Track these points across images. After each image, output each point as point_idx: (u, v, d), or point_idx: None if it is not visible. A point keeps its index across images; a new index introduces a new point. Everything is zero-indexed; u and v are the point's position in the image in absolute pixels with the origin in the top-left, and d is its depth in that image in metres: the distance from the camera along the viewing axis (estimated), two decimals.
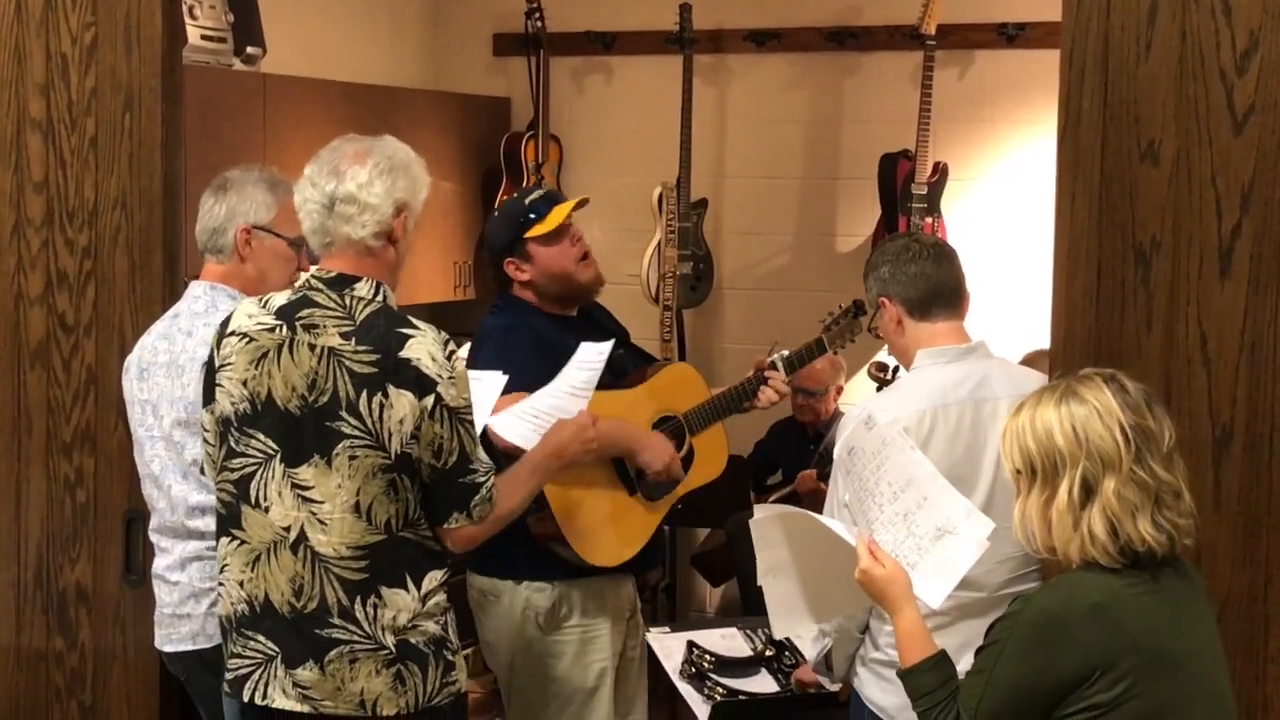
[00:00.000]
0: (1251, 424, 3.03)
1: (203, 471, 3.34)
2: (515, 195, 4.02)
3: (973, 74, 6.14)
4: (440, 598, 3.11)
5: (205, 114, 4.96)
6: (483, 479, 3.09)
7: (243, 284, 3.50)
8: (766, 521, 2.92)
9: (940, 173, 5.94)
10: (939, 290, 3.32)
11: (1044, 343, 3.36)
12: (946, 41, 5.91)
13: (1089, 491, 2.50)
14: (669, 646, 4.11)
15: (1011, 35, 5.95)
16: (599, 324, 4.04)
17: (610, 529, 3.81)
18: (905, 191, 5.89)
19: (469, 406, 3.07)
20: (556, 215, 3.88)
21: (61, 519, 3.95)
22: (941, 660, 2.62)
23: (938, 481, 2.79)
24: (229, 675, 3.15)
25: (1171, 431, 2.57)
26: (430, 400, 2.99)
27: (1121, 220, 3.09)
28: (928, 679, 2.61)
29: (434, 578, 3.10)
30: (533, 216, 3.88)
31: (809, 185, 6.45)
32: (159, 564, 3.52)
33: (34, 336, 3.95)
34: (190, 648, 3.46)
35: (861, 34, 6.24)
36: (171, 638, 3.50)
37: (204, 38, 5.10)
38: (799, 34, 6.35)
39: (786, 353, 4.10)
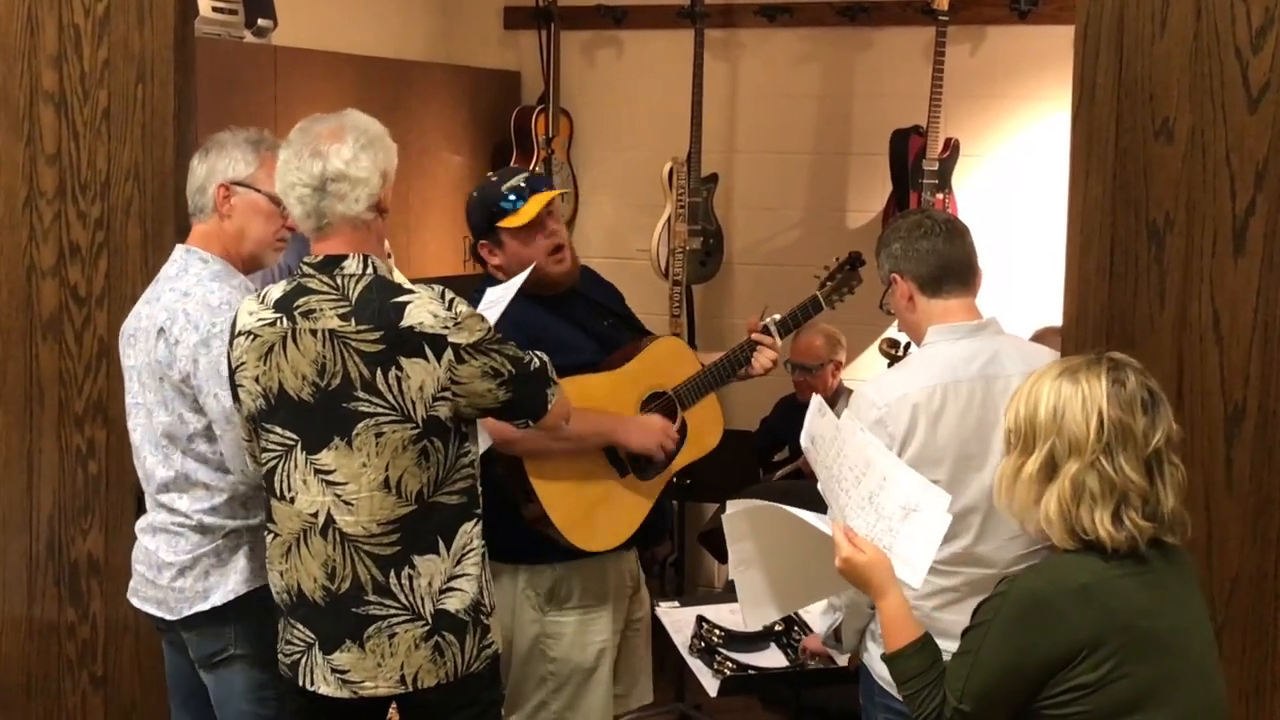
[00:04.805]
0: (1264, 402, 3.03)
1: (187, 441, 3.36)
2: (496, 178, 3.84)
3: (985, 50, 6.13)
4: (475, 554, 3.13)
5: (216, 86, 4.95)
6: (537, 359, 3.19)
7: (223, 242, 3.44)
8: (736, 516, 2.94)
9: (952, 149, 5.93)
10: (951, 267, 3.31)
11: (1055, 320, 3.36)
12: (959, 17, 5.89)
13: (1053, 471, 2.53)
14: (678, 621, 4.12)
15: (1024, 11, 5.93)
16: (583, 298, 3.90)
17: (602, 513, 3.75)
18: (916, 167, 5.89)
19: (488, 332, 3.09)
20: (531, 208, 3.73)
21: (73, 490, 3.97)
22: (927, 643, 2.63)
23: (890, 459, 2.79)
24: (284, 660, 3.19)
25: (1165, 435, 2.54)
26: (449, 354, 3.01)
27: (1135, 197, 3.09)
28: (914, 663, 2.61)
29: (465, 531, 3.12)
30: (506, 206, 3.74)
31: (820, 161, 6.45)
32: (140, 523, 3.52)
33: (46, 308, 3.96)
34: (154, 612, 3.47)
35: (873, 9, 6.23)
36: (138, 593, 3.51)
37: (215, 10, 5.10)
38: (810, 9, 6.33)
39: (778, 316, 3.97)
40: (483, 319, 3.11)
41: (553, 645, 3.81)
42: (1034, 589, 2.51)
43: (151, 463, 3.42)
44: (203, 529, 3.37)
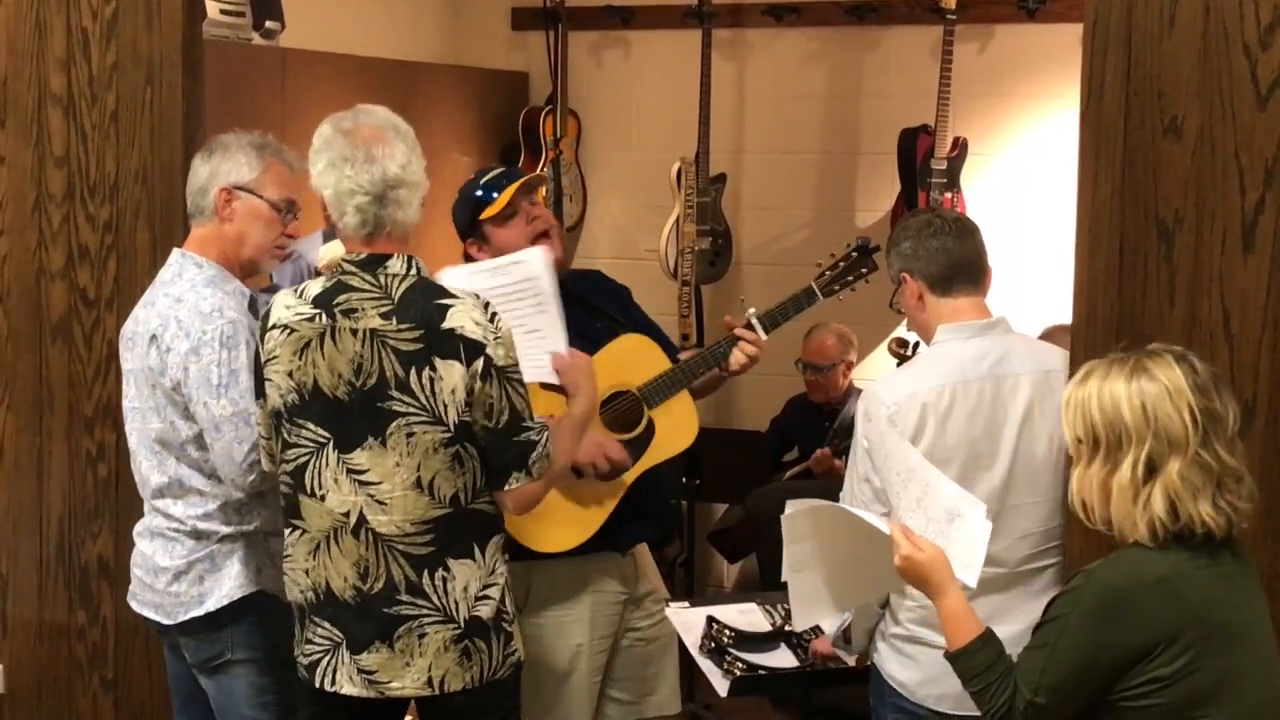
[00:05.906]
0: (1274, 400, 3.03)
1: (177, 445, 3.35)
2: (474, 176, 3.85)
3: (993, 48, 6.12)
4: (503, 565, 3.14)
5: (224, 89, 4.95)
6: (537, 436, 3.08)
7: (222, 247, 3.42)
8: (798, 516, 2.93)
9: (960, 148, 5.92)
10: (960, 266, 3.31)
11: (1065, 318, 3.35)
12: (966, 16, 5.88)
13: (1152, 470, 2.51)
14: (688, 621, 4.11)
15: (1032, 9, 5.92)
16: (577, 301, 3.80)
17: (560, 514, 3.70)
18: (925, 166, 5.88)
19: (517, 365, 3.07)
20: (506, 194, 3.72)
21: (83, 493, 3.97)
22: (990, 639, 2.62)
23: (929, 467, 2.82)
24: (304, 661, 3.16)
25: (1236, 415, 2.57)
26: (480, 363, 2.99)
27: (1144, 195, 3.08)
28: (980, 658, 2.61)
29: (496, 544, 3.12)
30: (484, 198, 3.74)
31: (828, 160, 6.44)
32: (138, 527, 3.53)
33: (55, 311, 3.96)
34: (152, 616, 3.47)
35: (881, 8, 6.22)
36: (137, 597, 3.51)
37: (223, 12, 5.09)
38: (818, 8, 6.33)
39: (753, 310, 3.81)
40: (514, 349, 3.07)
41: (529, 645, 3.79)
42: (1112, 583, 2.51)
43: (147, 468, 3.42)
44: (197, 534, 3.37)
